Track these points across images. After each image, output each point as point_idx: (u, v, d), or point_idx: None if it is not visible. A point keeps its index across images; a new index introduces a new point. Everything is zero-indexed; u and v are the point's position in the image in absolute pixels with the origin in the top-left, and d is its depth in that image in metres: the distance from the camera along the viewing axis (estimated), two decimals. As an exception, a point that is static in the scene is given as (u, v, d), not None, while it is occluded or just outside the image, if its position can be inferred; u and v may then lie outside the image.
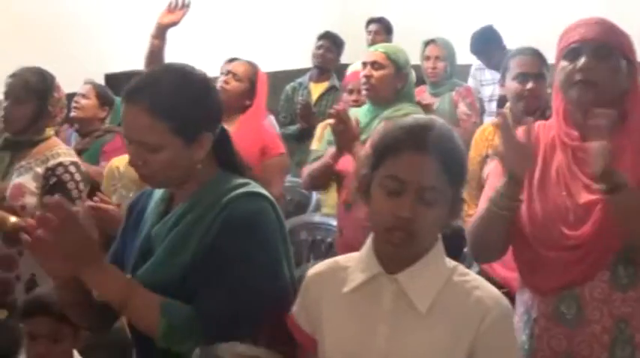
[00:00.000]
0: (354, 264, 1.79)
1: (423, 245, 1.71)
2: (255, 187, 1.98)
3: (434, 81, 4.98)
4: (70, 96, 4.46)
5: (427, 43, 5.05)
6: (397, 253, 1.72)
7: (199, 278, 1.88)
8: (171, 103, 1.88)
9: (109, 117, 4.49)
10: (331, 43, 5.91)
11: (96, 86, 4.51)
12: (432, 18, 7.26)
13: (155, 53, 3.73)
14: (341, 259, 1.85)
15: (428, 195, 1.67)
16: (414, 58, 5.05)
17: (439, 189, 1.68)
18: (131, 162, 1.95)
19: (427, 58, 5.00)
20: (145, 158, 1.90)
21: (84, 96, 4.42)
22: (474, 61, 5.93)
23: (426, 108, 3.87)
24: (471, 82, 5.81)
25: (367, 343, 1.72)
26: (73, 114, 4.32)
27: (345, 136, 3.25)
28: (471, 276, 1.77)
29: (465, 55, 5.40)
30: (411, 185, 1.67)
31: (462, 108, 4.77)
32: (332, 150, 3.43)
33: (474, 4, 7.12)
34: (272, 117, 4.89)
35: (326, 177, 3.58)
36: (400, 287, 1.71)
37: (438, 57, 4.97)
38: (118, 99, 4.54)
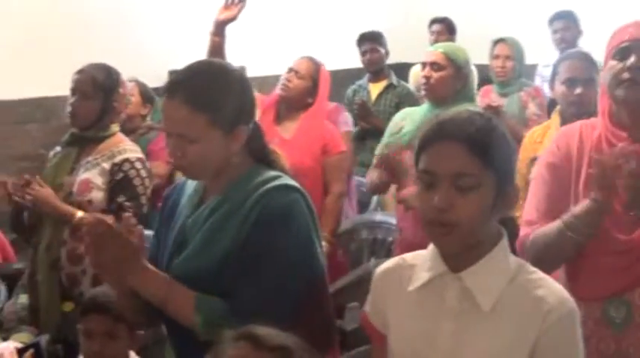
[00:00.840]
0: (420, 262, 1.78)
1: (468, 236, 1.67)
2: (287, 180, 2.03)
3: (502, 80, 4.91)
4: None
5: (496, 42, 4.98)
6: (444, 247, 1.71)
7: (236, 269, 1.94)
8: (209, 95, 1.95)
9: (150, 115, 4.60)
10: (372, 42, 5.84)
11: (139, 84, 4.61)
12: (496, 17, 7.18)
13: (215, 50, 3.76)
14: (408, 257, 1.84)
15: (460, 182, 1.64)
16: (477, 58, 5.01)
17: (472, 174, 1.64)
18: (170, 154, 2.01)
19: (496, 57, 4.92)
20: (183, 150, 1.96)
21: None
22: (541, 60, 5.85)
23: (494, 110, 3.83)
24: (537, 81, 5.73)
25: (432, 341, 1.71)
26: None
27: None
28: (537, 275, 1.74)
29: (531, 55, 5.33)
30: (440, 175, 1.65)
31: (532, 108, 4.70)
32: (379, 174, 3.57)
33: (538, 4, 7.02)
34: (347, 114, 4.86)
35: (385, 188, 3.71)
36: (464, 286, 1.70)
37: (508, 56, 4.88)
38: (157, 98, 4.66)
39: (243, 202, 1.97)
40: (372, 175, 3.65)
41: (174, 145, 1.97)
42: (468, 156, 1.64)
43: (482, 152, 1.64)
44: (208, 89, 1.96)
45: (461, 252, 1.70)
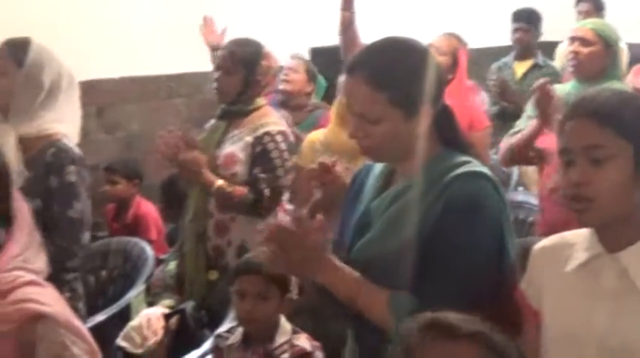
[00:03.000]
0: (580, 241, 1.76)
1: (610, 210, 1.65)
2: (478, 166, 1.91)
3: None
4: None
5: None
6: (586, 223, 1.70)
7: (420, 257, 1.85)
8: (390, 74, 1.87)
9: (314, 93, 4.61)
10: (525, 23, 5.72)
11: (305, 61, 4.60)
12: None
13: (346, 25, 3.76)
14: (568, 235, 1.82)
15: (593, 155, 1.64)
16: (627, 36, 4.82)
17: (604, 145, 1.63)
18: (352, 135, 1.95)
19: None
20: (365, 130, 1.90)
21: (293, 70, 4.51)
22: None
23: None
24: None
25: (587, 322, 1.69)
26: (281, 87, 4.44)
27: (547, 110, 3.16)
28: None
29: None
30: (574, 151, 1.66)
31: None
32: (534, 122, 3.33)
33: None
34: (484, 94, 4.82)
35: (526, 151, 3.42)
36: (621, 267, 1.67)
37: None
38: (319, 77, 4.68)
39: (432, 187, 1.87)
40: (510, 139, 3.53)
41: (356, 125, 1.92)
42: (597, 129, 1.64)
43: (613, 123, 1.64)
44: (389, 67, 1.88)
45: (610, 228, 1.67)
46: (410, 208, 1.89)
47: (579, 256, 1.74)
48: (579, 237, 1.77)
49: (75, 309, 2.93)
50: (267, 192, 3.29)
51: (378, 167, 2.06)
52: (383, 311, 1.86)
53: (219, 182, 3.28)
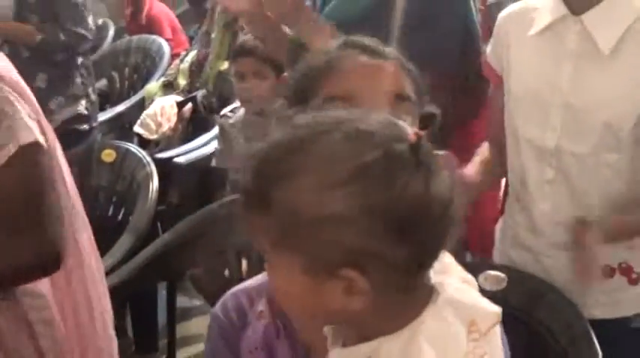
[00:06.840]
0: (544, 4, 1.77)
1: None
2: None
3: None
4: None
5: None
6: None
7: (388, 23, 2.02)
8: None
9: None
10: None
11: None
12: None
13: None
14: (531, 0, 1.84)
15: None
16: None
17: None
18: None
19: None
20: None
21: None
22: None
23: None
24: None
25: (550, 82, 1.73)
26: None
27: None
28: None
29: None
30: None
31: None
32: None
33: None
34: None
35: None
36: (584, 28, 1.69)
37: None
38: None
39: None
40: None
41: None
42: None
43: None
44: None
45: None
46: None
47: (544, 19, 1.76)
48: (544, 1, 1.78)
49: (86, 95, 3.10)
50: None
51: None
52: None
53: None
